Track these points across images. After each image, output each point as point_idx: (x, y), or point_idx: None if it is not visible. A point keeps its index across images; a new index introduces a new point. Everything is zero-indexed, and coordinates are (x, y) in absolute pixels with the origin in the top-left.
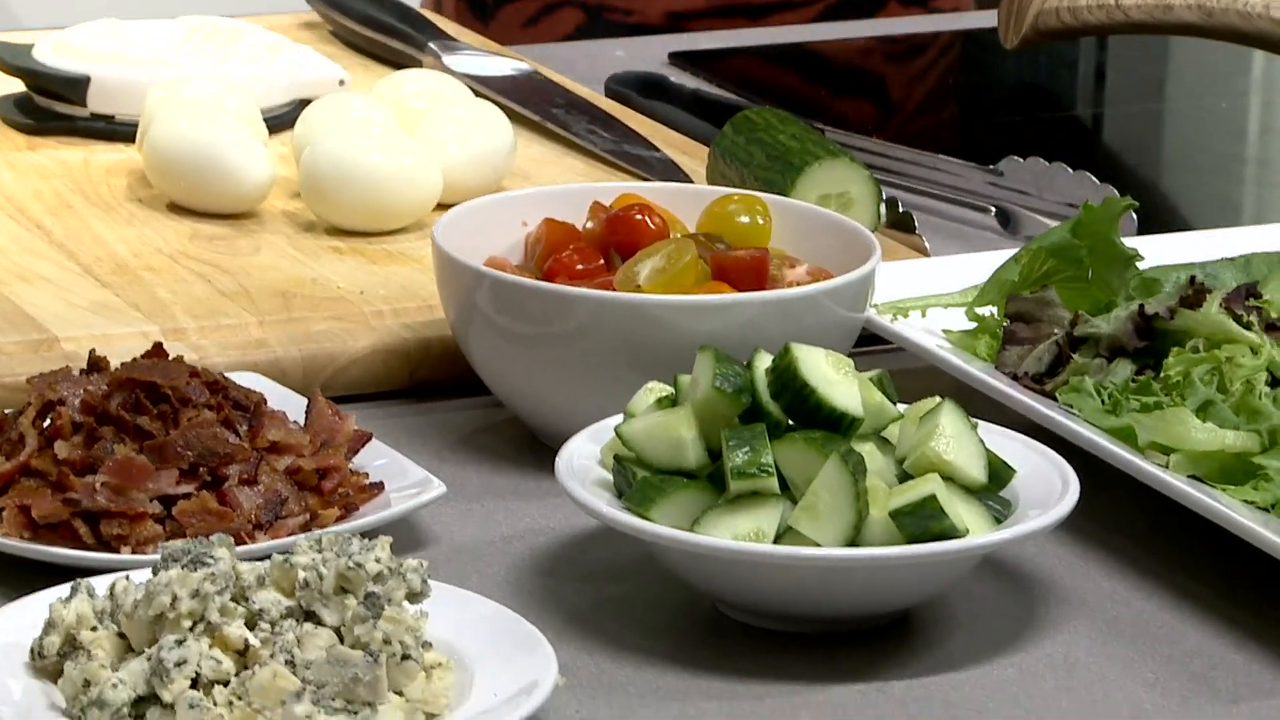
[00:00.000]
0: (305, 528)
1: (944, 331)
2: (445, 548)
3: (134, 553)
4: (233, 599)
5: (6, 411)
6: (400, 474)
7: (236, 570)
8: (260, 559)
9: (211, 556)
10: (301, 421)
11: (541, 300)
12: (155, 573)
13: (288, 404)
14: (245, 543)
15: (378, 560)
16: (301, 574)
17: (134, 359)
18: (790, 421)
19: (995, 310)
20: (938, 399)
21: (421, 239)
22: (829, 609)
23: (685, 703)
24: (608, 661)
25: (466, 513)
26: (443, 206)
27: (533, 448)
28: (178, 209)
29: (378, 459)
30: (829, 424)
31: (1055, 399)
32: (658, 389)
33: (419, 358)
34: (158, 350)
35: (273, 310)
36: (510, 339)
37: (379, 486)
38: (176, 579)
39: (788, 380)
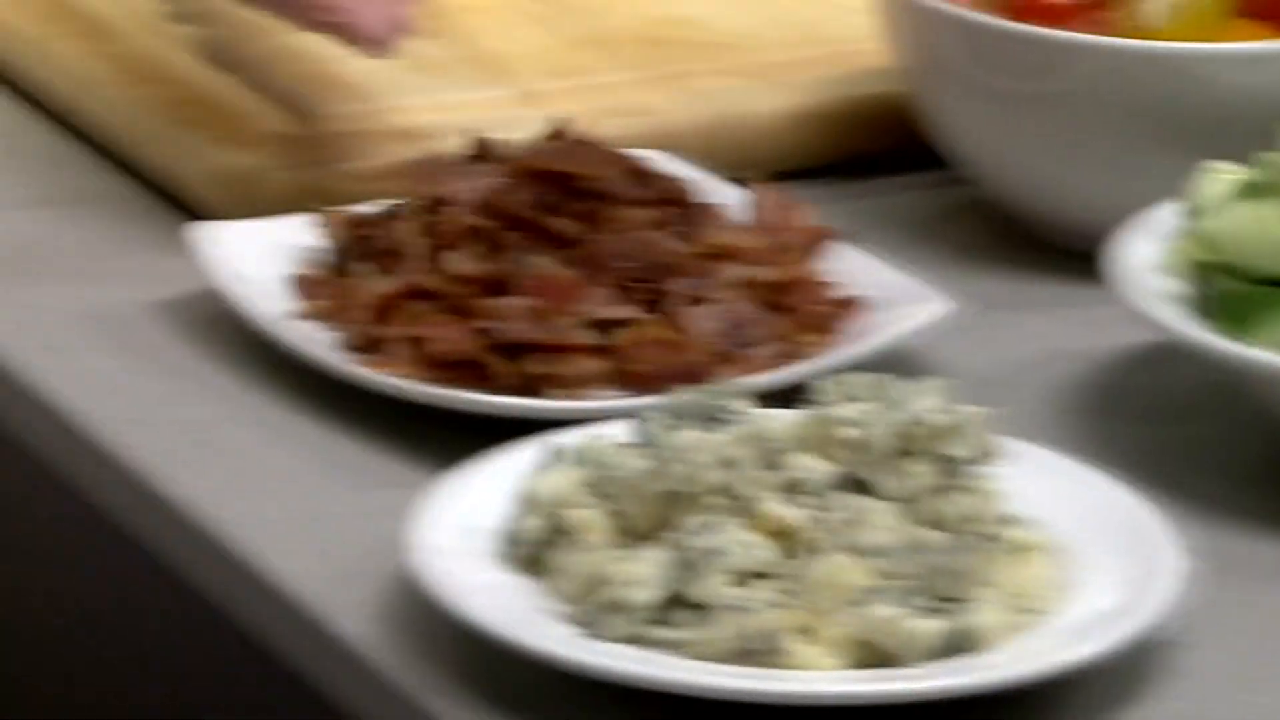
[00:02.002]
0: (781, 359)
1: None
2: (957, 382)
3: (567, 397)
4: (764, 467)
5: (361, 211)
6: (874, 282)
7: (765, 429)
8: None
9: (732, 411)
10: (743, 218)
11: (1032, 49)
12: (647, 433)
13: (713, 194)
14: (703, 380)
15: (938, 411)
16: (847, 431)
17: (538, 142)
18: None
19: None
20: None
21: None
22: None
23: None
24: (1208, 530)
25: (965, 332)
26: None
27: (1015, 239)
28: None
29: (839, 261)
30: None
31: None
32: (1230, 172)
33: (846, 123)
34: (563, 130)
35: (645, 63)
36: (985, 99)
37: (858, 301)
38: (697, 443)
39: None
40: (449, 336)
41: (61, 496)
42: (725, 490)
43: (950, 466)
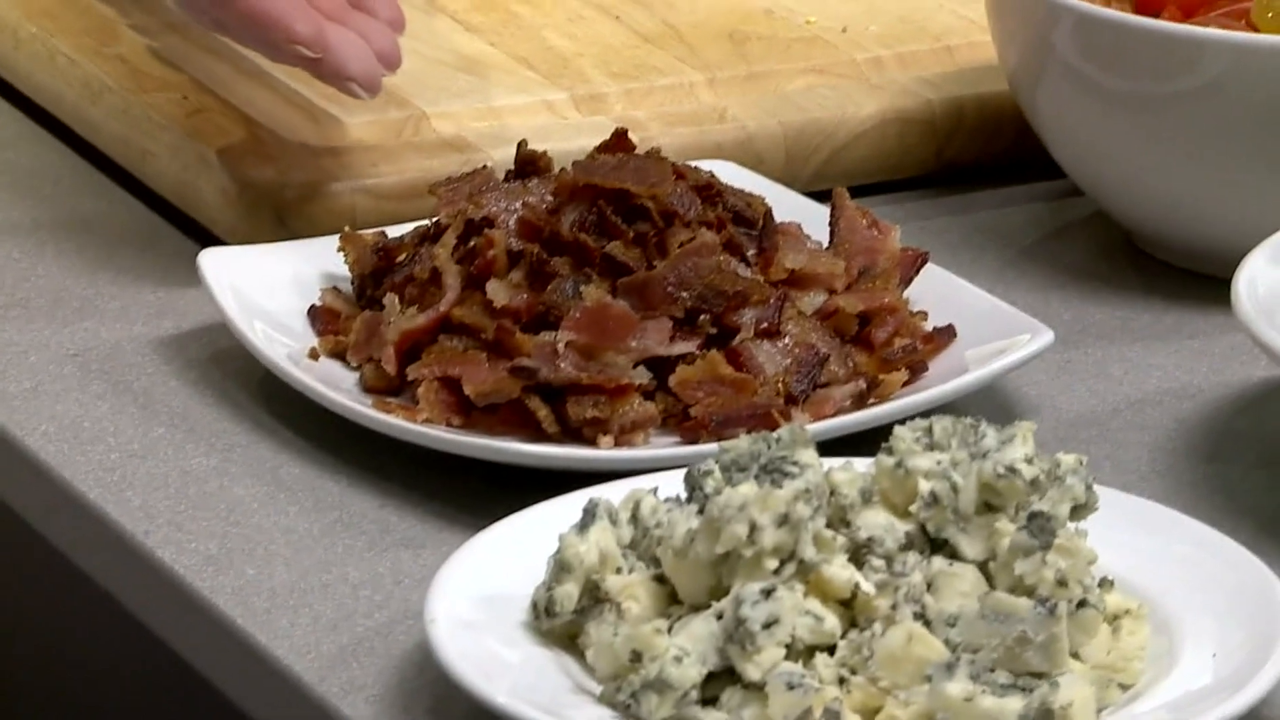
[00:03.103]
0: (860, 401)
1: None
2: (1048, 423)
3: (616, 444)
4: (827, 525)
5: (391, 235)
6: (969, 311)
7: (831, 482)
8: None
9: (794, 462)
10: (823, 239)
11: (1156, 45)
12: (697, 487)
13: (790, 211)
14: (774, 424)
15: (1029, 460)
16: (925, 485)
17: (591, 155)
18: None
19: None
20: None
21: None
22: None
23: None
24: None
25: (1064, 365)
26: None
27: (1134, 260)
28: None
29: (929, 289)
30: None
31: None
32: None
33: (949, 128)
34: (621, 140)
35: (723, 61)
36: (1103, 100)
37: (949, 333)
38: (755, 499)
39: None
40: (484, 377)
41: (40, 554)
42: (785, 552)
43: (1042, 524)
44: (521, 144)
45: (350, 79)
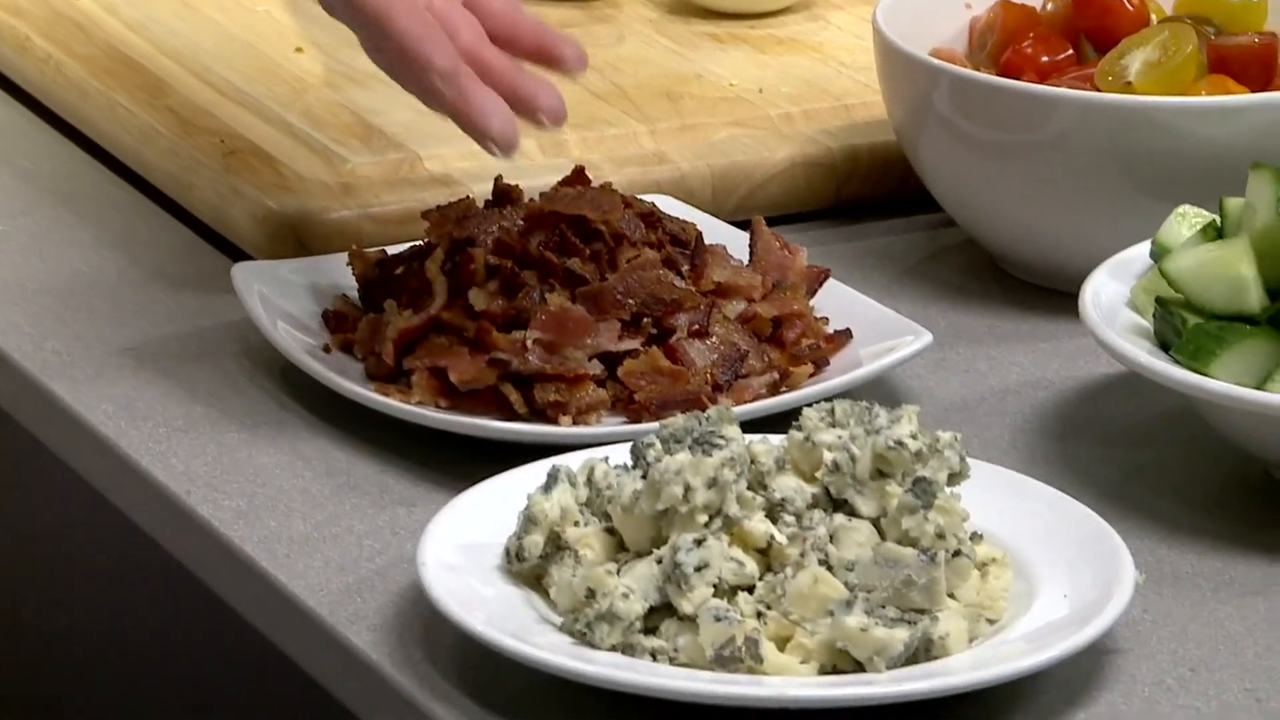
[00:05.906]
0: (774, 389)
1: None
2: (928, 408)
3: (574, 423)
4: (748, 487)
5: (391, 252)
6: (862, 317)
7: (751, 452)
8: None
9: (721, 436)
10: (744, 258)
11: (1017, 102)
12: (641, 456)
13: (716, 235)
14: (703, 407)
15: (914, 436)
16: (828, 455)
17: (555, 188)
18: None
19: None
20: None
21: (811, 20)
22: None
23: (1274, 599)
24: (1160, 547)
25: (940, 362)
26: None
27: (998, 278)
28: None
29: (829, 299)
30: None
31: None
32: (1192, 214)
33: (846, 170)
34: (579, 176)
35: (661, 115)
36: (973, 147)
37: (846, 335)
38: (689, 465)
39: None
40: (467, 367)
41: (98, 512)
42: (713, 509)
43: (924, 487)
44: (498, 179)
45: (489, 138)
